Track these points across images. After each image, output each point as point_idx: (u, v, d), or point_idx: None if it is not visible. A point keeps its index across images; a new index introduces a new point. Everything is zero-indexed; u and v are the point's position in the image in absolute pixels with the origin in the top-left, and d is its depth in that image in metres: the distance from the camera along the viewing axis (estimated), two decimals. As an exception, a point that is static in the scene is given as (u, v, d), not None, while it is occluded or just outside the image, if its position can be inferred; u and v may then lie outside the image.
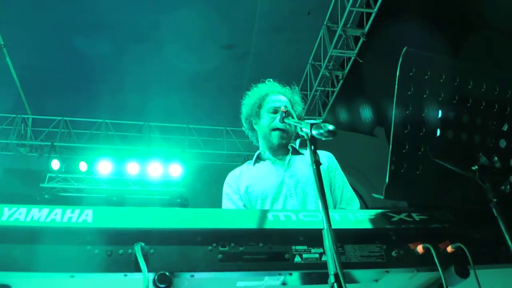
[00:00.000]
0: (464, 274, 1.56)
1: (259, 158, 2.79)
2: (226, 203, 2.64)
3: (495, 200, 1.61)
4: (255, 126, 2.83)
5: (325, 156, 2.74)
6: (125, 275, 1.42)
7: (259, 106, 2.79)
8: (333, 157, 2.78)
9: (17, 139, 8.81)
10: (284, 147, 2.73)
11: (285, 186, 2.56)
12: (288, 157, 2.70)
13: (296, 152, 2.72)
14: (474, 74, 1.77)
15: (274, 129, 2.68)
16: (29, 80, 8.00)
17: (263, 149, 2.80)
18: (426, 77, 1.68)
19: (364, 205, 8.59)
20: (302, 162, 2.66)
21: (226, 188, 2.70)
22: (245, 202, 2.59)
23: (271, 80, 2.90)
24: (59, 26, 6.93)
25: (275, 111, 2.67)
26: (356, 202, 2.69)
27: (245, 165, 2.83)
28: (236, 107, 2.96)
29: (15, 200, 1.60)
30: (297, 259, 1.55)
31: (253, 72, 7.95)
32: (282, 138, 2.68)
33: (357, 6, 6.54)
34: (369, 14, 6.55)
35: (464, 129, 1.75)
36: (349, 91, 8.31)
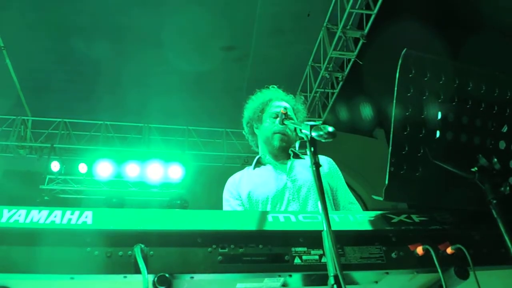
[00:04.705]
0: (464, 276, 1.56)
1: (259, 163, 2.78)
2: (226, 209, 2.63)
3: (494, 201, 1.61)
4: (256, 131, 2.84)
5: (325, 160, 2.75)
6: (125, 277, 1.42)
7: (262, 111, 2.79)
8: (333, 162, 2.78)
9: (16, 140, 8.80)
10: (285, 150, 2.73)
11: (288, 191, 2.54)
12: (289, 161, 2.70)
13: (296, 156, 2.73)
14: (474, 76, 1.77)
15: (275, 133, 2.69)
16: (29, 82, 8.00)
17: (263, 153, 2.79)
18: (426, 78, 1.68)
19: (364, 206, 8.58)
20: (303, 166, 2.66)
21: (226, 194, 2.68)
22: (247, 207, 2.58)
23: (275, 86, 2.90)
24: (59, 27, 6.94)
25: (277, 116, 2.68)
26: (358, 205, 2.70)
27: (245, 170, 2.81)
28: (236, 108, 2.96)
29: (15, 201, 1.60)
30: (297, 260, 1.55)
31: (253, 73, 7.96)
32: (282, 141, 2.67)
33: (356, 7, 6.54)
34: (368, 16, 6.56)
35: (464, 130, 1.75)
36: (349, 92, 8.32)
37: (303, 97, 2.97)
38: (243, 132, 2.94)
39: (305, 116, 2.93)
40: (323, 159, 2.74)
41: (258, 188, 2.59)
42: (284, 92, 2.88)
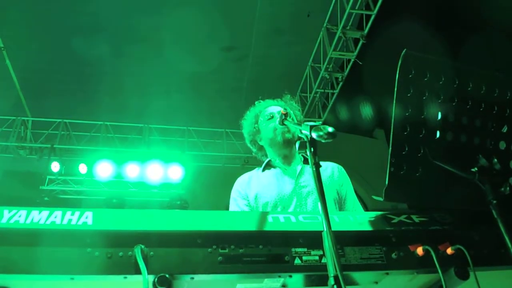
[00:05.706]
0: (464, 276, 1.56)
1: (269, 165, 2.77)
2: (233, 208, 2.62)
3: (494, 201, 1.61)
4: (260, 142, 2.83)
5: (336, 168, 2.74)
6: (125, 278, 1.42)
7: (257, 122, 2.80)
8: (343, 169, 2.77)
9: (16, 141, 8.80)
10: (290, 144, 2.69)
11: (296, 196, 2.54)
12: (299, 166, 2.69)
13: (307, 161, 2.71)
14: (474, 76, 1.77)
15: (275, 129, 2.67)
16: (29, 82, 7.99)
17: (273, 157, 2.77)
18: (426, 79, 1.68)
19: (364, 207, 8.58)
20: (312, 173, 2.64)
21: (234, 193, 2.68)
22: (254, 209, 2.57)
23: (260, 100, 2.91)
24: (59, 28, 6.94)
25: (272, 117, 2.70)
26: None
27: (254, 171, 2.80)
28: (236, 109, 2.96)
29: (15, 202, 1.60)
30: (297, 261, 1.55)
31: (253, 74, 7.96)
32: (284, 132, 2.64)
33: (356, 8, 6.54)
34: (368, 16, 6.55)
35: (464, 131, 1.75)
36: (349, 93, 8.31)
37: (289, 94, 2.95)
38: (253, 153, 2.95)
39: (299, 109, 2.94)
40: (333, 166, 2.74)
41: (266, 190, 2.59)
42: (270, 99, 2.88)
